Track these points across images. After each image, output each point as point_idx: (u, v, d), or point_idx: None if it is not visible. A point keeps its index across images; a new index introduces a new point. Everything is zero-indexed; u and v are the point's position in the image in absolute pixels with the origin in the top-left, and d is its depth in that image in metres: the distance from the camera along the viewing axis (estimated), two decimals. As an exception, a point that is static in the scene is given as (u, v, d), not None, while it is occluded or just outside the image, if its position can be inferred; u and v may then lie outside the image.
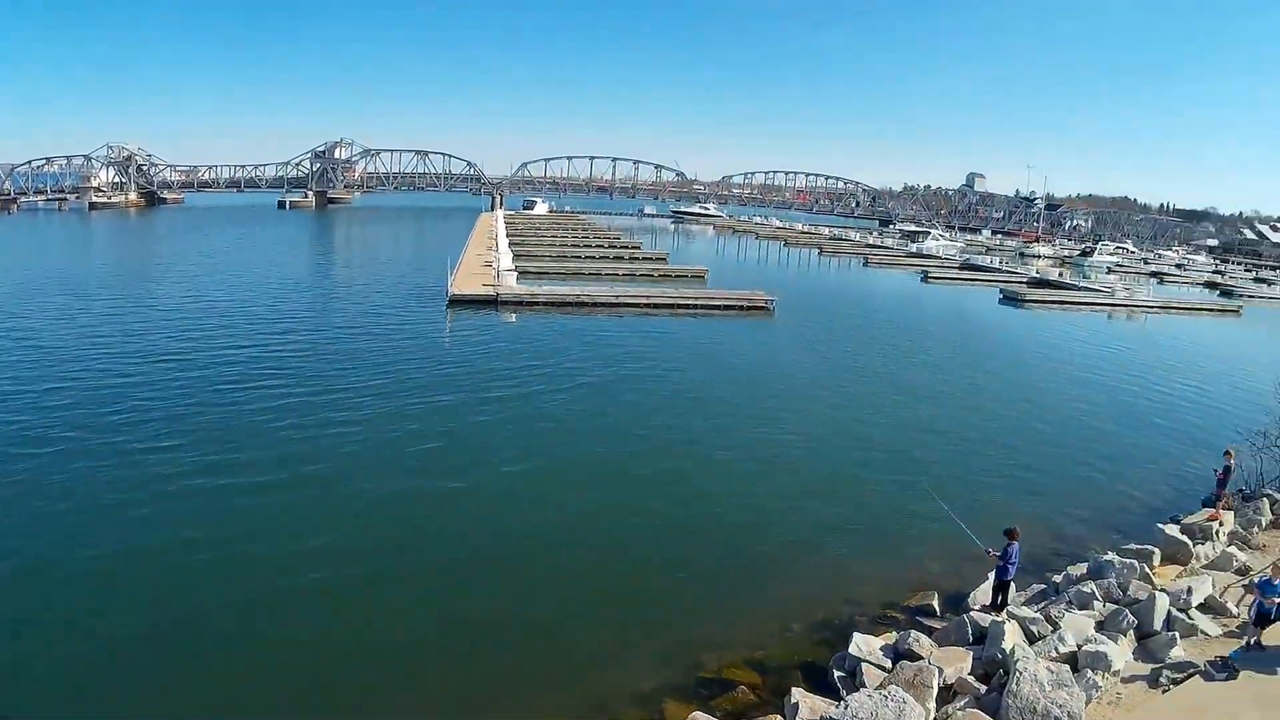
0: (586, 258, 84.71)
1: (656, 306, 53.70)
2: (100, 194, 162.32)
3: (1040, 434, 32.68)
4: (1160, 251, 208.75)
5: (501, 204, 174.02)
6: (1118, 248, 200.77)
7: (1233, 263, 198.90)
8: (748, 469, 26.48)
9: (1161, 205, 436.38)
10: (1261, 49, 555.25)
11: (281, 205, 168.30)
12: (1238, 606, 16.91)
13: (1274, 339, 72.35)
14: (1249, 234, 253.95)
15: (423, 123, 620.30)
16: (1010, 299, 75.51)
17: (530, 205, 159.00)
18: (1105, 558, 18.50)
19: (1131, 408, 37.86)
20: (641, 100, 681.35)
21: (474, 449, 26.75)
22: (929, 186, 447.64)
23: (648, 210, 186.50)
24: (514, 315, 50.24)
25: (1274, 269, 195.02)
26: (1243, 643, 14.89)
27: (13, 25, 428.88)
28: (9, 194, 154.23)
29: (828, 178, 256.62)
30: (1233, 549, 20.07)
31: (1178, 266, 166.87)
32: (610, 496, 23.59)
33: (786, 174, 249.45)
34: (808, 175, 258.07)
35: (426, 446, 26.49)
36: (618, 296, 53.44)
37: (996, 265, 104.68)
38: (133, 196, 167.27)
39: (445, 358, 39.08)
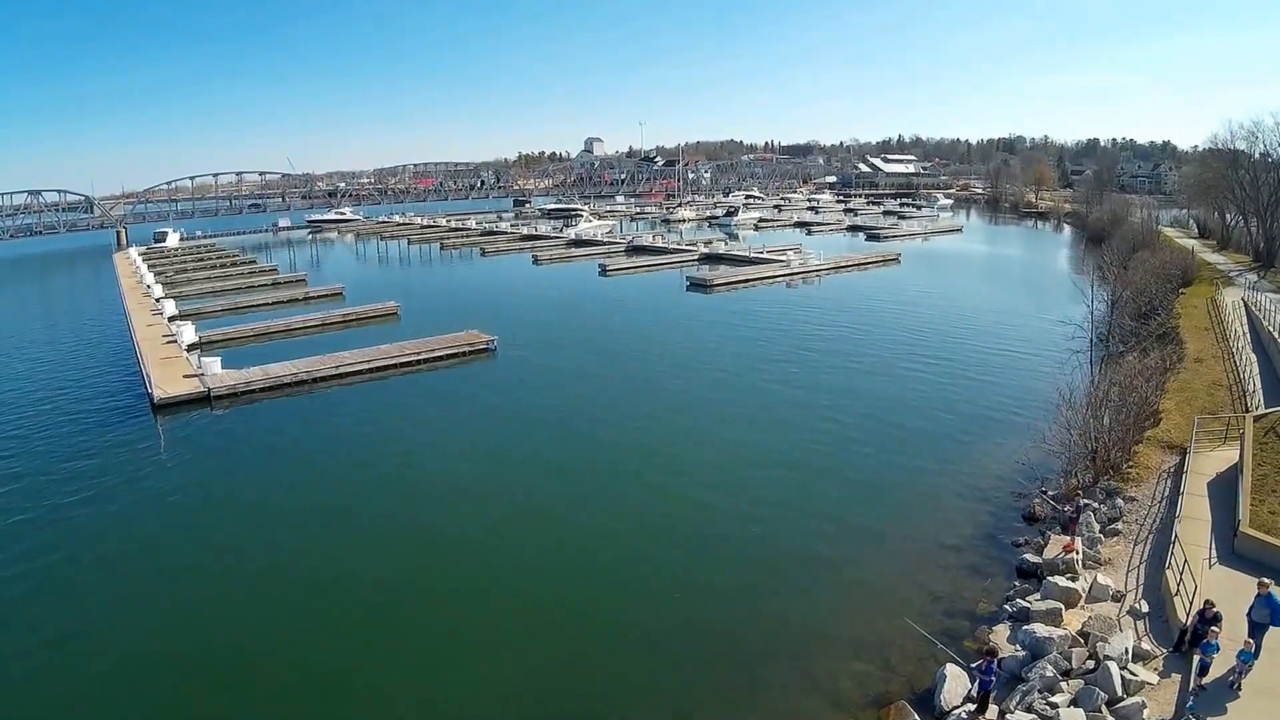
0: (237, 289, 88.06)
1: (379, 369, 51.36)
2: None
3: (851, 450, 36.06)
4: (787, 195, 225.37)
5: (127, 240, 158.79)
6: (747, 196, 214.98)
7: (858, 197, 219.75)
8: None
9: (767, 143, 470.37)
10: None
11: None
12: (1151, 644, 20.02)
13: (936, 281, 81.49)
14: (864, 168, 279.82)
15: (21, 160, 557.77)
16: (697, 286, 78.76)
17: (161, 237, 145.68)
18: (1031, 630, 20.90)
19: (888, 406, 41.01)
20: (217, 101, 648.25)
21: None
22: (550, 154, 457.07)
23: (282, 224, 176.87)
24: (228, 408, 46.15)
25: (893, 197, 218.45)
26: (1189, 690, 17.89)
27: None
28: None
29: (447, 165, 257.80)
30: (1097, 575, 23.42)
31: (812, 209, 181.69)
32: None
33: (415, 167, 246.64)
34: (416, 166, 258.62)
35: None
36: (338, 366, 50.38)
37: (660, 244, 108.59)
38: None
39: (191, 492, 35.17)
